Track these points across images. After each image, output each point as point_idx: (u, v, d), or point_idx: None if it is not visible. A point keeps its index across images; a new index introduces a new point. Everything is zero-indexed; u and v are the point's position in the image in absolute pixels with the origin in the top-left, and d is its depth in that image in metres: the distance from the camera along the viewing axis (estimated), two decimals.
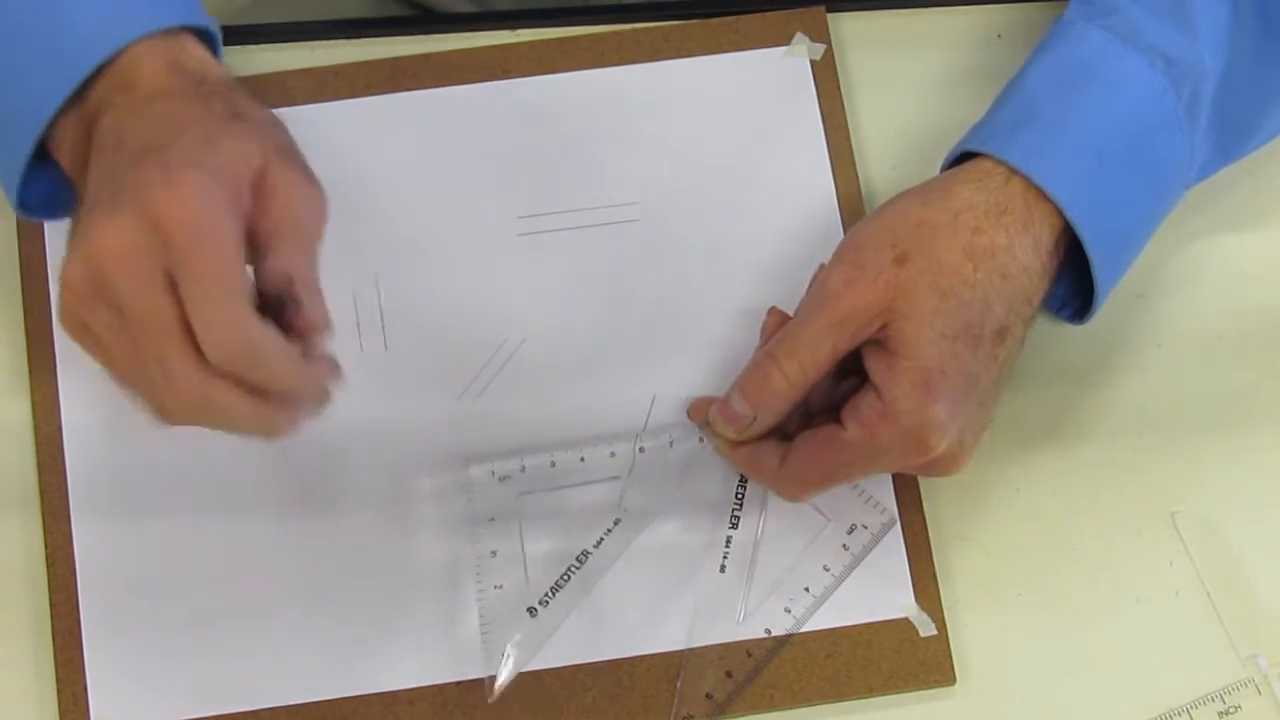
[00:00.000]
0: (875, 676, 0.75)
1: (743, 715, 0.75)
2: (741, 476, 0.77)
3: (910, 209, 0.73)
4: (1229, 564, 0.77)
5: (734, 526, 0.77)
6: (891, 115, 0.83)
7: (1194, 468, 0.79)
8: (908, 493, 0.77)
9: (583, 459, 0.77)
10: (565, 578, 0.76)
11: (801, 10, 0.84)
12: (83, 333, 0.67)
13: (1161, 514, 0.78)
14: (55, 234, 0.80)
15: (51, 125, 0.70)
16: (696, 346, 0.79)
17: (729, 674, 0.75)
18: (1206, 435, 0.79)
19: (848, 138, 0.82)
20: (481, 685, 0.75)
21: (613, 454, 0.77)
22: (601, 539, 0.77)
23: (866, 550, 0.77)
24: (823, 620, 0.76)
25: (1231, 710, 0.75)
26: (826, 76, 0.83)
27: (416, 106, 0.82)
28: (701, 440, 0.77)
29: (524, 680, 0.75)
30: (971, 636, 0.76)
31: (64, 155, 0.71)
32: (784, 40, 0.84)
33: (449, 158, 0.82)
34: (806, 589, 0.76)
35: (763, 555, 0.77)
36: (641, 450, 0.77)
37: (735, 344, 0.79)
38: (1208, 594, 0.77)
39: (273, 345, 0.65)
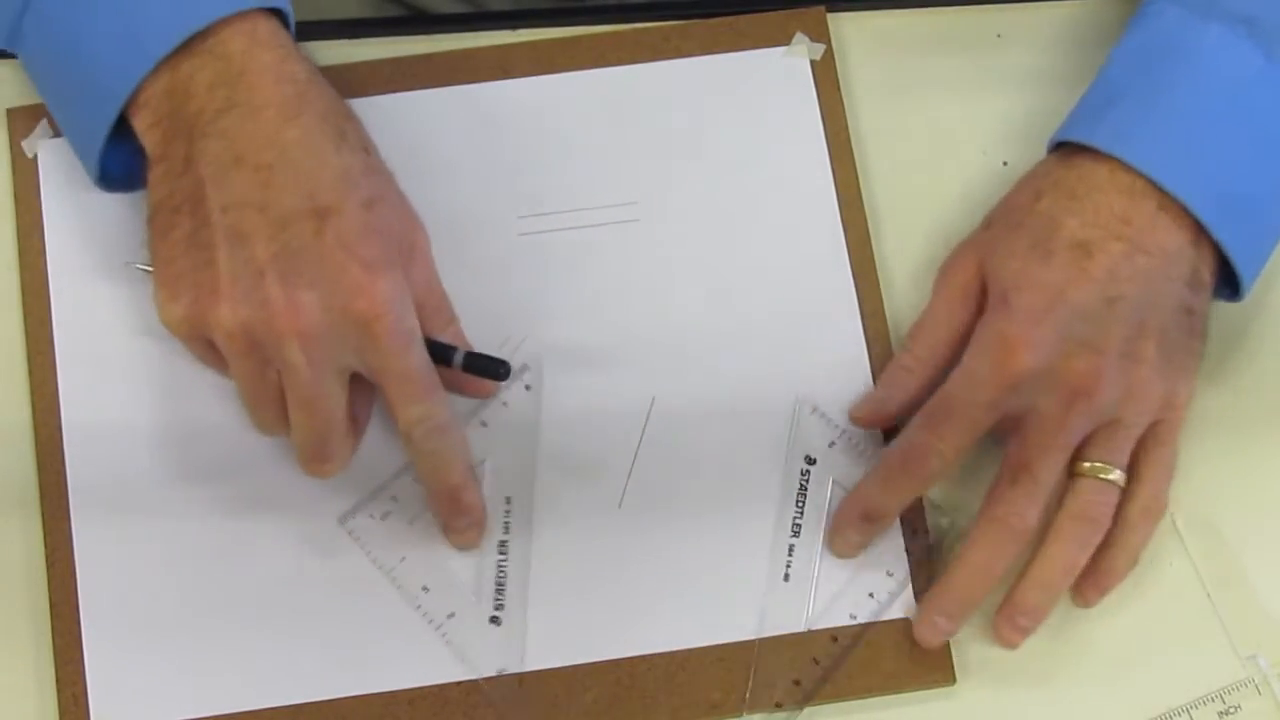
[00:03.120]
0: (875, 676, 0.75)
1: (743, 715, 0.75)
2: (802, 484, 0.77)
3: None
4: (1229, 564, 0.77)
5: (795, 534, 0.77)
6: (891, 115, 0.83)
7: (1194, 468, 0.79)
8: None
9: None
10: (501, 574, 0.76)
11: (801, 10, 0.84)
12: (198, 348, 0.73)
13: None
14: (55, 234, 0.80)
15: (133, 96, 0.72)
16: (697, 347, 0.79)
17: (797, 682, 0.75)
18: (1206, 435, 0.79)
19: (848, 138, 0.82)
20: (481, 685, 0.75)
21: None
22: (506, 522, 0.76)
23: (927, 552, 0.76)
24: (823, 620, 0.76)
25: (1231, 710, 0.75)
26: (826, 76, 0.83)
27: (416, 106, 0.82)
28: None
29: (524, 680, 0.75)
30: (971, 636, 0.76)
31: (143, 125, 0.73)
32: (784, 40, 0.84)
33: (449, 158, 0.82)
34: (870, 595, 0.76)
35: (824, 563, 0.76)
36: (484, 425, 0.77)
37: (736, 344, 0.79)
38: (1208, 594, 0.77)
39: (461, 437, 0.74)
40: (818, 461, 0.77)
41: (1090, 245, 0.72)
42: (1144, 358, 0.72)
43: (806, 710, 0.75)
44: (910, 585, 0.76)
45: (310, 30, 0.84)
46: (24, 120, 0.82)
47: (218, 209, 0.70)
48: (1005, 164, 0.82)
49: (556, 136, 0.82)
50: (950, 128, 0.82)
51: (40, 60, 0.77)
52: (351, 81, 0.83)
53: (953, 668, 0.75)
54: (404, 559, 0.76)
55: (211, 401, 0.78)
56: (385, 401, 0.73)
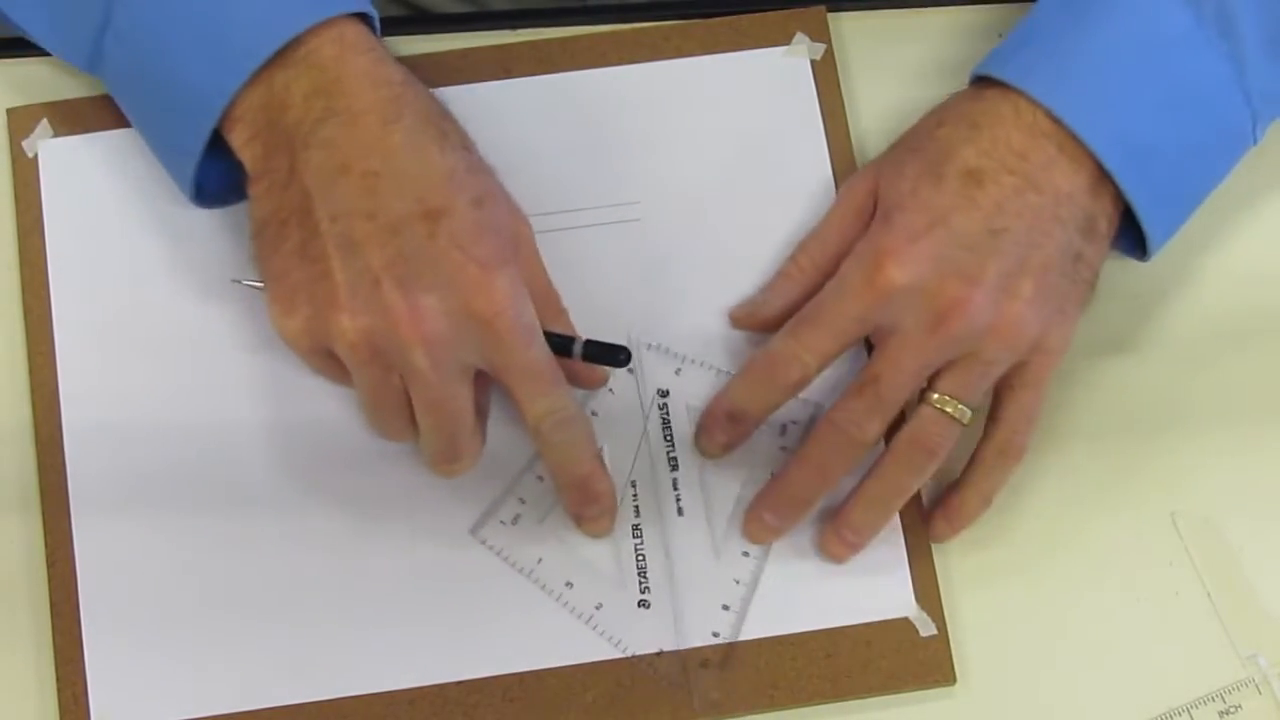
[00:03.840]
0: (875, 676, 0.75)
1: (743, 715, 0.75)
2: (664, 419, 0.78)
3: None
4: (1229, 564, 0.77)
5: (674, 468, 0.77)
6: (892, 115, 0.83)
7: (1194, 468, 0.79)
8: None
9: None
10: (641, 558, 0.76)
11: (801, 10, 0.84)
12: (317, 360, 0.73)
13: (1161, 514, 0.78)
14: (55, 233, 0.80)
15: (227, 111, 0.72)
16: (697, 346, 0.79)
17: (726, 606, 0.75)
18: (1206, 435, 0.79)
19: (848, 137, 0.82)
20: (481, 685, 0.75)
21: None
22: (636, 505, 0.77)
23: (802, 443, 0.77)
24: (823, 620, 0.76)
25: (1231, 710, 0.75)
26: (827, 76, 0.83)
27: None
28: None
29: (525, 680, 0.75)
30: (971, 636, 0.76)
31: (240, 140, 0.73)
32: (784, 40, 0.84)
33: None
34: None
35: (711, 484, 0.77)
36: (594, 414, 0.78)
37: (736, 343, 0.79)
38: (1208, 594, 0.77)
39: (588, 427, 0.74)
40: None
41: (982, 175, 0.72)
42: (1018, 294, 0.72)
43: (810, 710, 0.75)
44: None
45: None
46: (24, 120, 0.82)
47: (327, 219, 0.70)
48: None
49: (556, 136, 0.82)
50: None
51: (125, 79, 0.76)
52: None
53: (953, 668, 0.75)
54: (541, 560, 0.76)
55: (212, 401, 0.78)
56: (511, 397, 0.72)
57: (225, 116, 0.73)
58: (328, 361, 0.73)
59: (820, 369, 0.74)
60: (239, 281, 0.77)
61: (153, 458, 0.77)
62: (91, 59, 0.76)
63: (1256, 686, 0.76)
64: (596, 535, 0.76)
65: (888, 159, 0.77)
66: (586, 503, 0.75)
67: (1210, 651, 0.76)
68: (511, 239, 0.72)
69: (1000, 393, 0.75)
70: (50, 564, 0.76)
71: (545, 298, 0.75)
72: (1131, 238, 0.76)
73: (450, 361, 0.70)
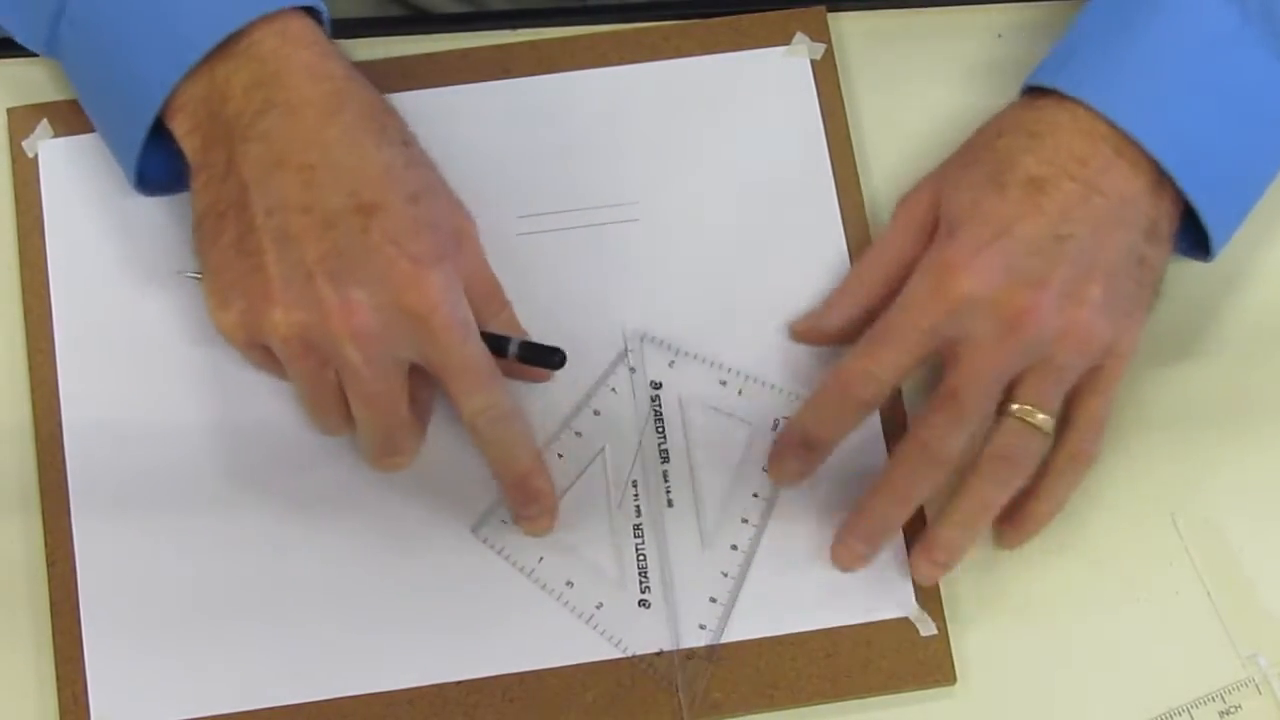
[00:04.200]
0: (875, 676, 0.75)
1: (743, 715, 0.75)
2: (657, 412, 0.78)
3: None
4: (1229, 564, 0.77)
5: (665, 460, 0.77)
6: (891, 115, 0.83)
7: (1194, 468, 0.79)
8: None
9: (560, 455, 0.77)
10: (642, 558, 0.76)
11: (801, 10, 0.84)
12: (253, 354, 0.74)
13: (1161, 514, 0.78)
14: (55, 233, 0.80)
15: (170, 101, 0.73)
16: (698, 347, 0.79)
17: (713, 599, 0.76)
18: (1206, 435, 0.79)
19: (848, 138, 0.82)
20: (481, 685, 0.75)
21: (578, 433, 0.78)
22: (637, 505, 0.77)
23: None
24: (822, 620, 0.76)
25: (1231, 710, 0.75)
26: (826, 76, 0.83)
27: (417, 106, 0.82)
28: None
29: (525, 680, 0.75)
30: (971, 636, 0.76)
31: (182, 130, 0.73)
32: (784, 40, 0.84)
33: (449, 158, 0.81)
34: (755, 495, 0.77)
35: (701, 477, 0.77)
36: (597, 413, 0.78)
37: (736, 344, 0.79)
38: (1208, 594, 0.77)
39: (526, 424, 0.74)
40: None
41: (1044, 182, 0.72)
42: (1087, 299, 0.72)
43: (810, 710, 0.75)
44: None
45: None
46: (24, 120, 0.82)
47: (262, 212, 0.70)
48: None
49: (556, 136, 0.82)
50: (950, 127, 0.82)
51: (77, 65, 0.77)
52: None
53: (953, 668, 0.75)
54: (542, 559, 0.76)
55: (212, 401, 0.78)
56: (446, 393, 0.73)
57: (167, 106, 0.73)
58: (265, 356, 0.73)
59: (894, 386, 0.74)
60: (183, 273, 0.77)
61: (153, 458, 0.77)
62: (49, 43, 0.76)
63: (1256, 686, 0.76)
64: (537, 534, 0.76)
65: (946, 172, 0.76)
66: (526, 501, 0.75)
67: (1210, 651, 0.76)
68: (450, 235, 0.73)
69: (1070, 399, 0.74)
70: (50, 564, 0.76)
71: (488, 294, 0.75)
72: (1191, 239, 0.76)
73: (383, 356, 0.70)
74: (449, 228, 0.73)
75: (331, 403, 0.73)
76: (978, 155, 0.75)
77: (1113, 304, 0.72)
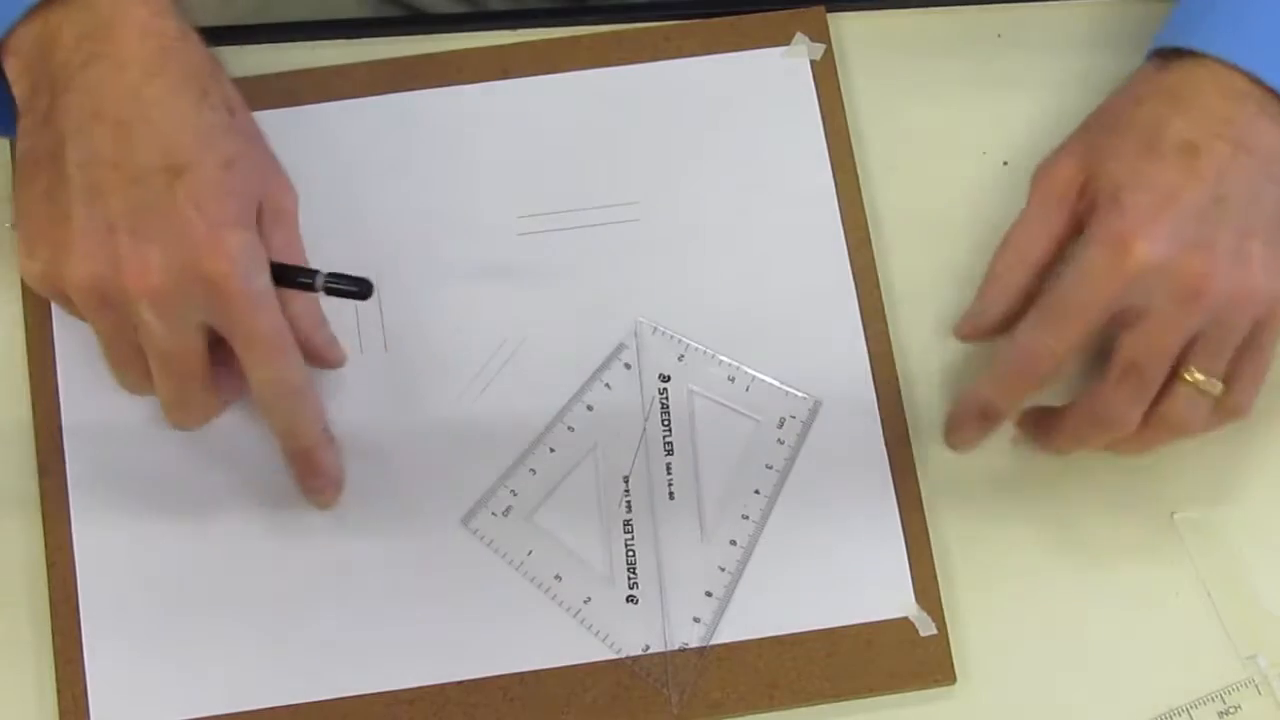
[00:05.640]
0: (875, 676, 0.75)
1: (743, 715, 0.75)
2: (664, 403, 0.78)
3: None
4: (1229, 564, 0.77)
5: (669, 453, 0.77)
6: (891, 115, 0.83)
7: (1194, 468, 0.79)
8: (908, 493, 0.77)
9: (552, 449, 0.78)
10: (631, 554, 0.76)
11: (801, 10, 0.84)
12: (63, 304, 0.72)
13: (1161, 514, 0.78)
14: None
15: (6, 43, 0.72)
16: (697, 345, 0.79)
17: (709, 593, 0.76)
18: (1207, 435, 0.79)
19: (848, 138, 0.82)
20: (481, 685, 0.75)
21: (571, 428, 0.78)
22: (627, 501, 0.77)
23: (801, 440, 0.77)
24: (822, 619, 0.76)
25: (1231, 710, 0.75)
26: (826, 76, 0.83)
27: (417, 106, 0.82)
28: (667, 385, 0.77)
29: (525, 680, 0.75)
30: (971, 636, 0.76)
31: (13, 73, 0.72)
32: (784, 40, 0.84)
33: (448, 158, 0.82)
34: (756, 491, 0.77)
35: (704, 471, 0.77)
36: (590, 409, 0.78)
37: (736, 343, 0.79)
38: (1208, 594, 0.77)
39: (314, 400, 0.74)
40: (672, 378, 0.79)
41: (1197, 146, 0.72)
42: (1253, 258, 0.72)
43: (810, 710, 0.75)
44: None
45: (310, 30, 0.84)
46: None
47: (75, 164, 0.70)
48: (1005, 164, 0.82)
49: (556, 136, 0.82)
50: (950, 128, 0.82)
51: None
52: (352, 81, 0.83)
53: (953, 668, 0.75)
54: (531, 552, 0.76)
55: None
56: (239, 360, 0.72)
57: (4, 48, 0.72)
58: (70, 306, 0.73)
59: (1070, 357, 0.73)
60: (13, 227, 0.77)
61: (153, 458, 0.77)
62: None
63: (1256, 686, 0.76)
64: (322, 507, 0.76)
65: (1088, 141, 0.75)
66: (310, 475, 0.75)
67: (1210, 651, 0.76)
68: (259, 205, 0.72)
69: (1234, 353, 0.74)
70: (50, 564, 0.76)
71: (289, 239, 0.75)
72: None
73: (176, 316, 0.70)
74: (258, 197, 0.72)
75: (130, 357, 0.72)
76: (1121, 122, 0.75)
77: (1273, 258, 0.72)
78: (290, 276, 0.72)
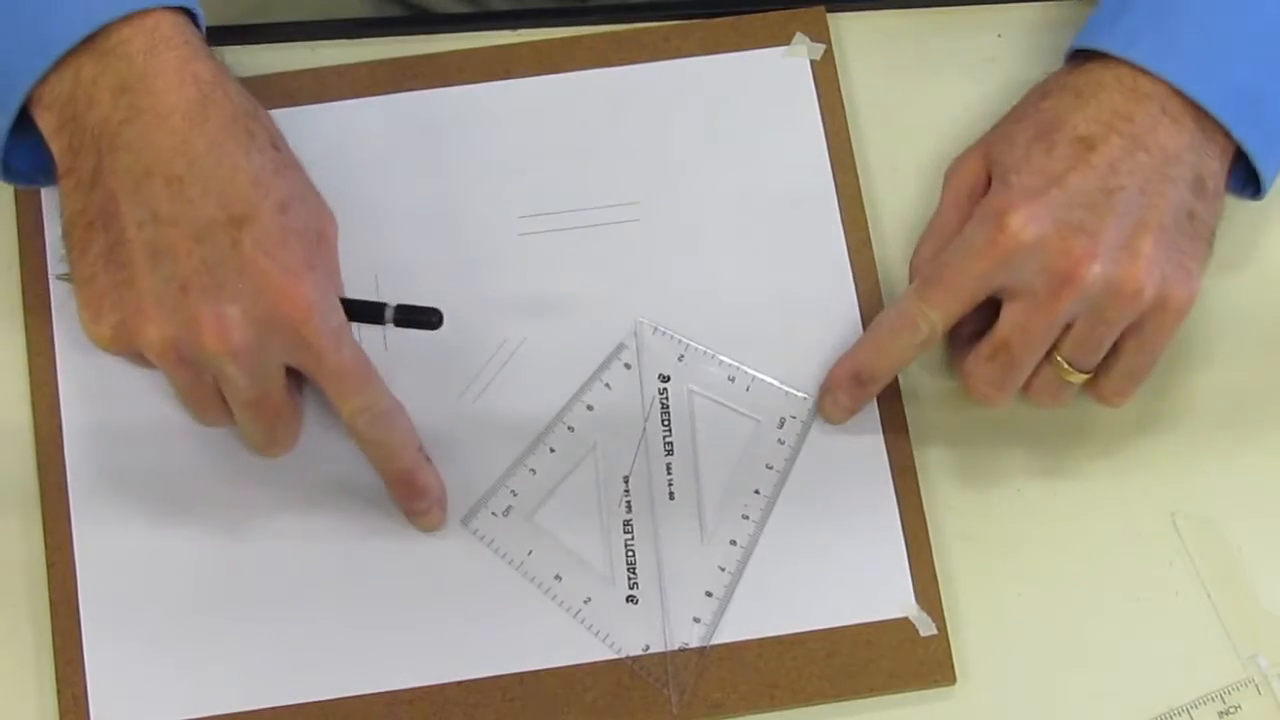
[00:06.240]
0: (875, 676, 0.75)
1: (743, 715, 0.75)
2: (664, 403, 0.78)
3: None
4: (1229, 564, 0.77)
5: (669, 453, 0.77)
6: (891, 115, 0.83)
7: (1194, 468, 0.79)
8: (908, 492, 0.77)
9: (552, 450, 0.78)
10: (631, 554, 0.76)
11: (801, 10, 0.84)
12: (134, 361, 0.73)
13: (1161, 514, 0.78)
14: (55, 233, 0.80)
15: (37, 94, 0.71)
16: (697, 345, 0.79)
17: (709, 593, 0.76)
18: (1206, 435, 0.79)
19: (848, 138, 0.82)
20: (481, 685, 0.75)
21: (571, 428, 0.78)
22: (627, 501, 0.77)
23: (801, 440, 0.77)
24: (822, 619, 0.76)
25: (1231, 710, 0.75)
26: (826, 76, 0.83)
27: (417, 106, 0.82)
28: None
29: (524, 680, 0.75)
30: (971, 636, 0.76)
31: (49, 128, 0.72)
32: (784, 40, 0.84)
33: (449, 158, 0.82)
34: (756, 491, 0.77)
35: (704, 471, 0.77)
36: (590, 409, 0.78)
37: (736, 343, 0.79)
38: (1208, 594, 0.77)
39: (405, 422, 0.75)
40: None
41: (1093, 139, 0.73)
42: (1139, 251, 0.72)
43: (810, 710, 0.75)
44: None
45: (310, 30, 0.84)
46: None
47: (133, 225, 0.70)
48: None
49: (556, 136, 0.82)
50: (950, 128, 0.82)
51: None
52: (352, 81, 0.83)
53: (953, 668, 0.75)
54: (531, 552, 0.76)
55: None
56: (324, 396, 0.73)
57: (35, 101, 0.72)
58: (141, 359, 0.73)
59: (945, 329, 0.74)
60: (58, 277, 0.78)
61: (153, 458, 0.77)
62: None
63: (1256, 686, 0.76)
64: (428, 529, 0.76)
65: (994, 134, 0.78)
66: (413, 497, 0.75)
67: (1210, 651, 0.76)
68: (316, 240, 0.73)
69: (1115, 346, 0.74)
70: (50, 564, 0.76)
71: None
72: (1240, 179, 0.77)
73: (259, 366, 0.71)
74: (315, 233, 0.73)
75: (210, 403, 0.73)
76: (1025, 115, 0.76)
77: (1163, 257, 0.72)
78: (359, 310, 0.73)
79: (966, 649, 0.76)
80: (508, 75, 0.83)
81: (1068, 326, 0.73)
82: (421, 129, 0.82)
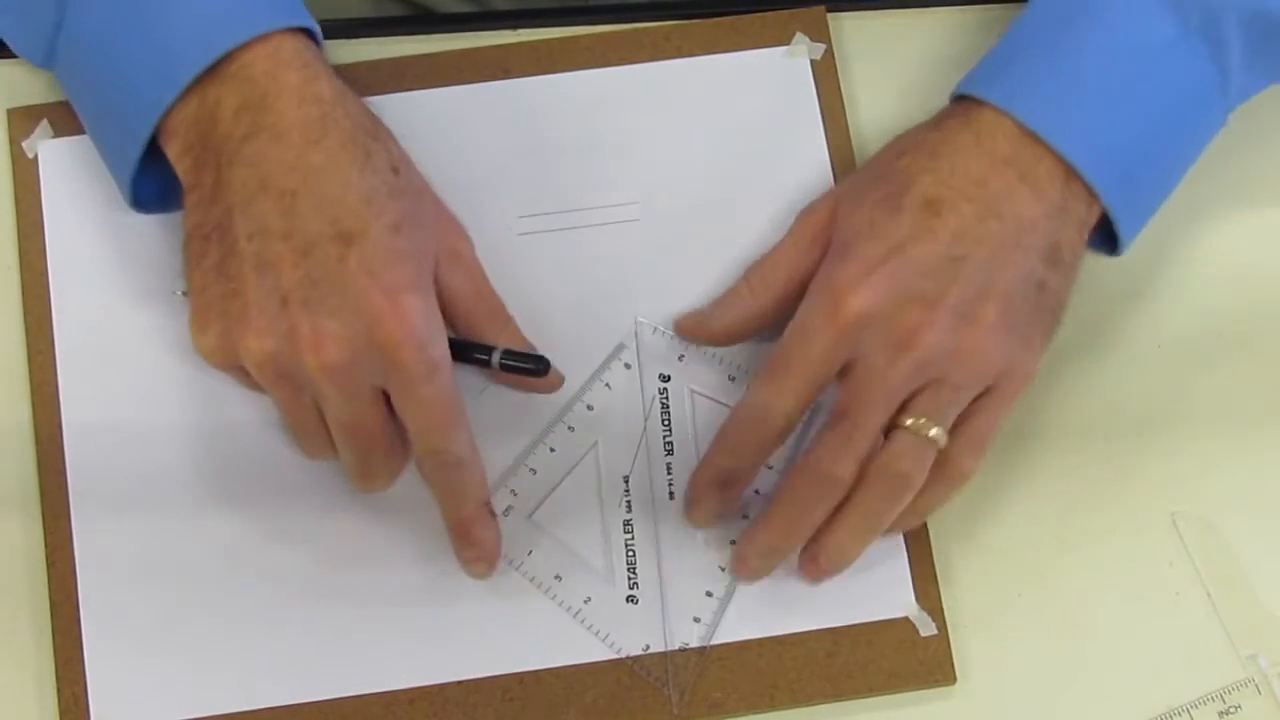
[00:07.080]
0: (875, 676, 0.75)
1: (743, 715, 0.75)
2: (664, 402, 0.78)
3: None
4: (1229, 564, 0.77)
5: (670, 453, 0.78)
6: (891, 115, 0.83)
7: (1194, 468, 0.79)
8: None
9: (552, 449, 0.78)
10: (631, 554, 0.76)
11: (801, 10, 0.84)
12: (238, 376, 0.74)
13: (1161, 514, 0.78)
14: (55, 233, 0.80)
15: (163, 123, 0.72)
16: (697, 348, 0.79)
17: (709, 593, 0.76)
18: (1206, 435, 0.79)
19: (848, 138, 0.82)
20: (481, 685, 0.75)
21: (571, 428, 0.78)
22: (627, 501, 0.77)
23: (801, 440, 0.77)
24: (822, 620, 0.76)
25: (1231, 710, 0.75)
26: (826, 76, 0.83)
27: (417, 106, 0.82)
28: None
29: (524, 680, 0.75)
30: (971, 636, 0.76)
31: (175, 153, 0.73)
32: (784, 40, 0.84)
33: (449, 158, 0.82)
34: (756, 491, 0.77)
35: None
36: (590, 408, 0.78)
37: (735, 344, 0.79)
38: (1208, 594, 0.77)
39: (477, 475, 0.73)
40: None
41: (940, 203, 0.72)
42: (981, 320, 0.71)
43: (810, 710, 0.75)
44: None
45: None
46: (24, 120, 0.82)
47: (244, 237, 0.70)
48: None
49: (556, 136, 0.82)
50: None
51: (74, 82, 0.77)
52: (352, 81, 0.82)
53: (953, 668, 0.75)
54: (531, 552, 0.76)
55: (211, 401, 0.78)
56: (405, 426, 0.72)
57: (161, 129, 0.73)
58: (246, 377, 0.73)
59: (801, 413, 0.73)
60: (177, 292, 0.78)
61: (153, 458, 0.77)
62: (47, 57, 0.76)
63: (1256, 686, 0.76)
64: (474, 577, 0.76)
65: (847, 189, 0.76)
66: (465, 545, 0.75)
67: (1210, 651, 0.76)
68: (440, 256, 0.73)
69: (960, 417, 0.73)
70: (50, 564, 0.76)
71: (487, 309, 0.76)
72: (1099, 238, 0.76)
73: (355, 386, 0.70)
74: (437, 253, 0.73)
75: (311, 426, 0.73)
76: (879, 173, 0.75)
77: (1008, 326, 0.72)
78: (467, 352, 0.73)
79: (966, 649, 0.76)
80: (507, 75, 0.83)
81: (914, 396, 0.72)
82: (421, 129, 0.82)
